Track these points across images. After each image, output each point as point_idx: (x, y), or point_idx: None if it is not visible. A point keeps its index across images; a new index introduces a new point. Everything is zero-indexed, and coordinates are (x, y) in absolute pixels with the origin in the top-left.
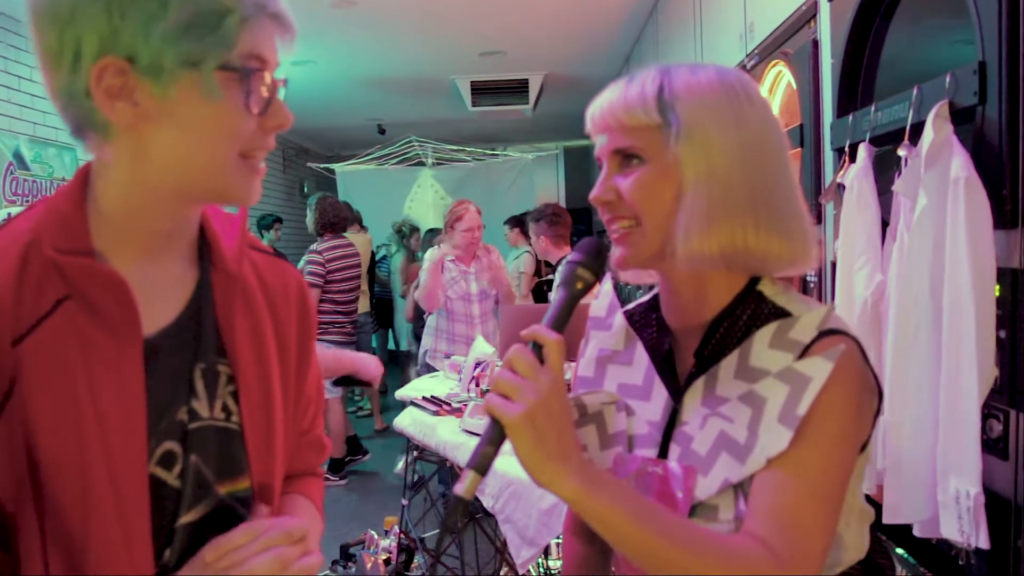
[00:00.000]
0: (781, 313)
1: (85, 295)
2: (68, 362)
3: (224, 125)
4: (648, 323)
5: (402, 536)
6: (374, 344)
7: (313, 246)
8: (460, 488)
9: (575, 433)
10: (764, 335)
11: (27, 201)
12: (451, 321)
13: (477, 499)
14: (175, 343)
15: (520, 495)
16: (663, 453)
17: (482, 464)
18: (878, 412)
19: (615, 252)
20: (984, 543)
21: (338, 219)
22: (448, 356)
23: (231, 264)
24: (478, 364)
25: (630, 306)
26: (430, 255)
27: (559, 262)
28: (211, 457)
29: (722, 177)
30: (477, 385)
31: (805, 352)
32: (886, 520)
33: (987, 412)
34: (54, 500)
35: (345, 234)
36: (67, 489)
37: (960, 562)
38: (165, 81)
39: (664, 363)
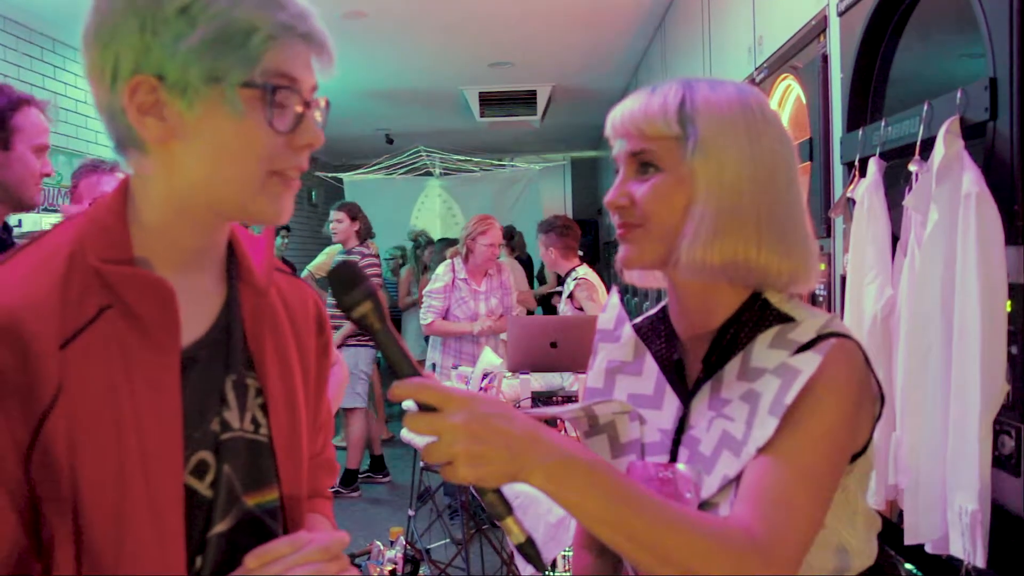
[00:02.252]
0: (785, 318)
1: (128, 304)
2: (110, 369)
3: (248, 142)
4: (656, 334)
5: (408, 547)
6: (379, 355)
7: (360, 249)
8: (512, 538)
9: (525, 425)
10: (765, 337)
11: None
12: (457, 339)
13: (484, 510)
14: (207, 355)
15: (527, 508)
16: (674, 458)
17: (495, 512)
18: (879, 417)
19: (620, 251)
20: (980, 561)
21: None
22: (455, 367)
23: (260, 281)
24: (486, 375)
25: (637, 319)
26: (442, 270)
27: (568, 273)
28: (241, 468)
29: (731, 191)
30: None
31: (801, 350)
32: (907, 541)
33: (999, 428)
34: (90, 505)
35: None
36: (104, 494)
37: None
38: (191, 97)
39: (674, 371)
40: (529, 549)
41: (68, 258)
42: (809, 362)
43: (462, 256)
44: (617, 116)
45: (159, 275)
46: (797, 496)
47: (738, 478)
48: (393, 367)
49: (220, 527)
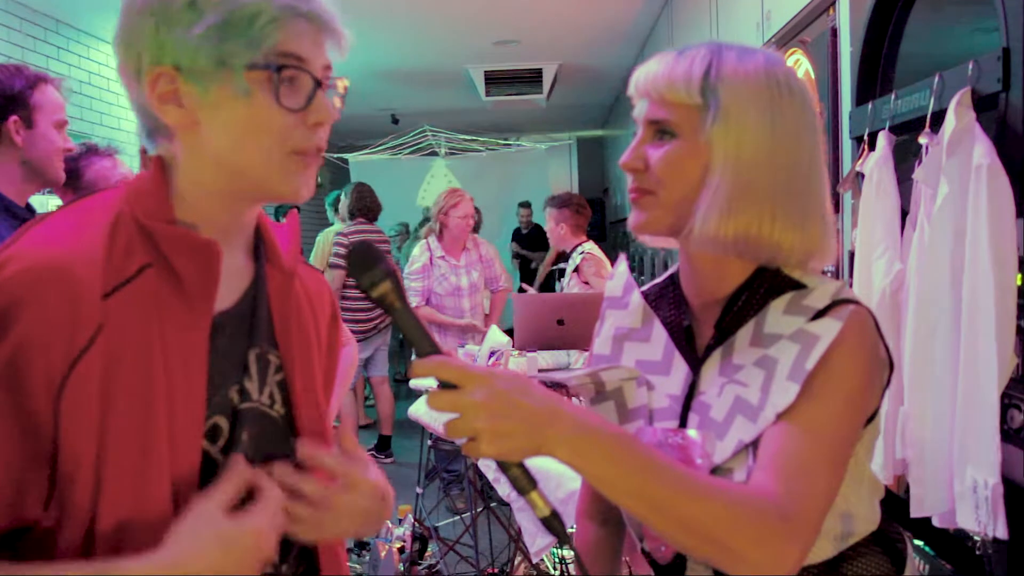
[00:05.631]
0: (797, 285)
1: (171, 263)
2: (146, 323)
3: (260, 122)
4: (665, 300)
5: (416, 524)
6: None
7: (340, 228)
8: (537, 512)
9: (546, 399)
10: (779, 304)
11: None
12: (442, 331)
13: (493, 488)
14: (233, 326)
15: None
16: (683, 424)
17: (520, 486)
18: (887, 384)
19: (631, 216)
20: (1002, 532)
21: (375, 205)
22: (462, 345)
23: (287, 263)
24: (492, 353)
25: (645, 286)
26: (417, 251)
27: (574, 249)
28: (254, 438)
29: (749, 165)
30: None
31: (817, 317)
32: (913, 514)
33: (1008, 402)
34: (115, 452)
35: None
36: (129, 443)
37: (977, 552)
38: (204, 83)
39: (683, 337)
40: (554, 522)
41: (115, 217)
42: (829, 328)
43: (436, 234)
44: (641, 77)
45: (207, 236)
46: (818, 463)
47: (753, 443)
48: (413, 345)
49: None
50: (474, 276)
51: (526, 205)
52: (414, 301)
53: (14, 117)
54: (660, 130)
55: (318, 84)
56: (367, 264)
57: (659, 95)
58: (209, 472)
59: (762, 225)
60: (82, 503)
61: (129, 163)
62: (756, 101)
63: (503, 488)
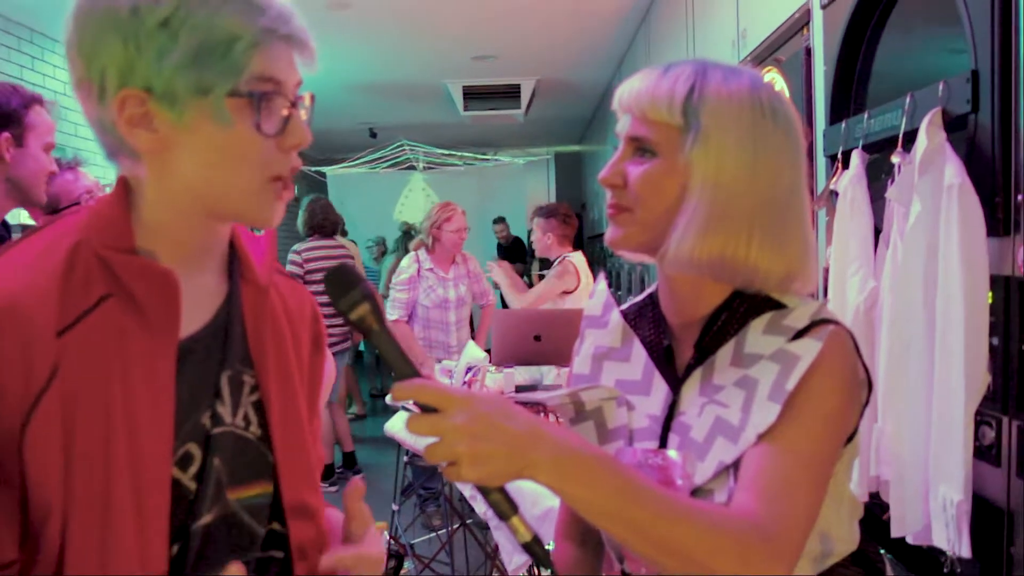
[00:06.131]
0: (776, 305)
1: (130, 292)
2: (106, 356)
3: (239, 150)
4: (645, 320)
5: (392, 542)
6: (363, 347)
7: (295, 246)
8: (518, 537)
9: (527, 422)
10: (759, 324)
11: None
12: (427, 328)
13: (470, 505)
14: (204, 349)
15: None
16: (663, 445)
17: (500, 511)
18: (867, 404)
19: (608, 231)
20: (966, 552)
21: (327, 222)
22: (439, 361)
23: (261, 279)
24: (469, 369)
25: (624, 305)
26: (406, 263)
27: (557, 259)
28: (227, 462)
29: (727, 189)
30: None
31: (797, 337)
32: (894, 534)
33: (980, 419)
34: (80, 489)
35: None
36: (92, 478)
37: (946, 570)
38: (179, 109)
39: (663, 357)
40: (536, 548)
41: (72, 247)
42: (809, 348)
43: (427, 246)
44: (624, 92)
45: (165, 266)
46: (799, 484)
47: (734, 464)
48: (392, 368)
49: (205, 519)
50: (461, 290)
51: (500, 220)
52: (397, 313)
53: (6, 134)
54: (641, 147)
55: (292, 106)
56: (345, 287)
57: (641, 112)
58: (180, 500)
59: (737, 249)
60: (52, 548)
61: (98, 173)
62: (737, 124)
63: (480, 506)
